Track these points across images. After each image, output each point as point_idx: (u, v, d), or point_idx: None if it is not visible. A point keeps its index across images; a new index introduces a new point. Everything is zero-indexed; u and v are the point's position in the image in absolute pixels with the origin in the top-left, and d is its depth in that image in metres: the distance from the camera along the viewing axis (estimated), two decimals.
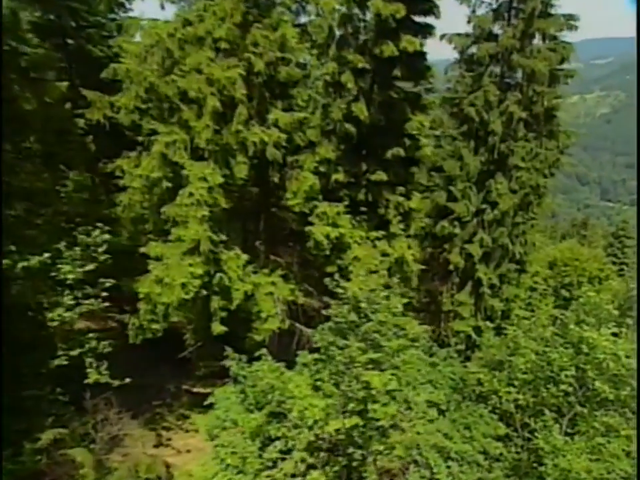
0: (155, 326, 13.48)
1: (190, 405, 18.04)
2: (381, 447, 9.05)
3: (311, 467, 9.58)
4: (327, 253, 13.86)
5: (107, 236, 11.81)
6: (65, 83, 13.99)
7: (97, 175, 16.17)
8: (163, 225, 14.12)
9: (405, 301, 10.17)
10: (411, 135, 14.12)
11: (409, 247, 15.01)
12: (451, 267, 20.74)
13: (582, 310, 15.59)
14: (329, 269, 13.64)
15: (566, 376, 12.32)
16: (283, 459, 9.61)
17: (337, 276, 10.90)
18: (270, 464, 9.73)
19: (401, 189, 14.30)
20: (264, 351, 11.80)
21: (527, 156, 18.95)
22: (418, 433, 9.75)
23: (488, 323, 21.23)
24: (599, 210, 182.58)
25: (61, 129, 13.97)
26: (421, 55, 14.82)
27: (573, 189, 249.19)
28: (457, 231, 20.23)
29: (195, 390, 19.36)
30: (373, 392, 8.20)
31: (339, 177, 13.49)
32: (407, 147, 14.08)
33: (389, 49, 13.31)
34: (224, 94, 11.99)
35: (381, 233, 14.32)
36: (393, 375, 8.48)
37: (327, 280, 10.14)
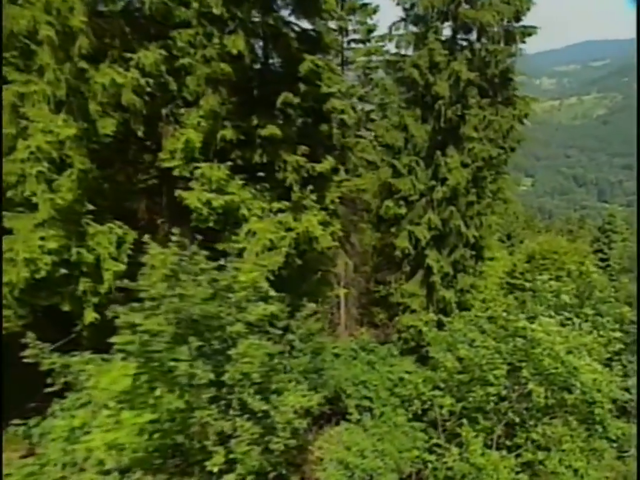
0: (6, 312, 11.04)
1: None
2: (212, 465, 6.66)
3: None
4: (212, 225, 11.50)
5: None
6: None
7: None
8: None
9: (256, 274, 7.74)
10: (307, 79, 11.61)
11: (326, 223, 12.59)
12: (398, 253, 18.39)
13: (529, 297, 13.31)
14: (222, 247, 11.25)
15: (495, 376, 9.94)
16: None
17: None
18: None
19: (304, 148, 11.80)
20: None
21: (479, 125, 16.61)
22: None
23: (441, 316, 18.98)
24: (595, 211, 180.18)
25: None
26: None
27: (570, 190, 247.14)
28: (403, 211, 17.88)
29: None
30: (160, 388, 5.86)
31: (227, 133, 11.05)
32: (302, 93, 11.58)
33: None
34: (65, 24, 9.65)
35: (284, 204, 11.91)
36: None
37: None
